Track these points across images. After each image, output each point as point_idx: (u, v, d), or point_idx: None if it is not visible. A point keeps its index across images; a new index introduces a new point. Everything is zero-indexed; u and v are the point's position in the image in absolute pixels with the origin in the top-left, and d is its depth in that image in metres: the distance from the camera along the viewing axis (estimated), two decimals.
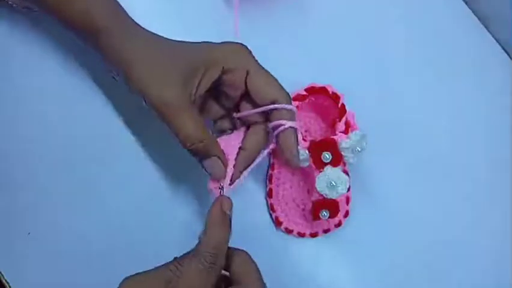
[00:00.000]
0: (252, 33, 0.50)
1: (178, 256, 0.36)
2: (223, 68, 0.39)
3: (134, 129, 0.46)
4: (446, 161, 0.52)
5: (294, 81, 0.47)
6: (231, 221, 0.37)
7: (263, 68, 0.40)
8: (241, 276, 0.36)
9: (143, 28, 0.40)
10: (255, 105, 0.40)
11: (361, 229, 0.49)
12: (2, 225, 0.44)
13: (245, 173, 0.40)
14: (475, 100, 0.54)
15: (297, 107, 0.47)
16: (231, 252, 0.37)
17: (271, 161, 0.48)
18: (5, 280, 0.43)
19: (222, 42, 0.40)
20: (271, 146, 0.41)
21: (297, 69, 0.50)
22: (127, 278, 0.35)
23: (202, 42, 0.40)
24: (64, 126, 0.46)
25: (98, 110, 0.46)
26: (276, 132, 0.40)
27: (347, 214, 0.48)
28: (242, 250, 0.38)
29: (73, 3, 0.38)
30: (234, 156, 0.40)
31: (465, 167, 0.52)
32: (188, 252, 0.36)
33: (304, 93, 0.47)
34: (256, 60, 0.40)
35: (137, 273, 0.35)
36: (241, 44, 0.40)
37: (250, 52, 0.40)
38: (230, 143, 0.40)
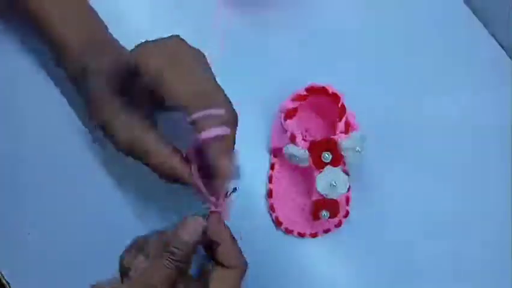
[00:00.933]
0: (252, 33, 0.50)
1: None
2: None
3: None
4: (446, 161, 0.52)
5: (294, 81, 0.47)
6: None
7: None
8: (224, 259, 0.37)
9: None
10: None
11: (361, 229, 0.49)
12: (2, 225, 0.44)
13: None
14: (475, 100, 0.54)
15: (297, 107, 0.47)
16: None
17: (271, 161, 0.48)
18: (5, 280, 0.43)
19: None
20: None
21: (297, 69, 0.50)
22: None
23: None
24: (64, 126, 0.46)
25: None
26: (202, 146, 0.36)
27: (347, 214, 0.48)
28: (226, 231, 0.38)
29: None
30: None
31: (465, 167, 0.52)
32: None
33: (305, 93, 0.47)
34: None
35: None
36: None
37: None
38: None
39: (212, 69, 0.37)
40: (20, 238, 0.44)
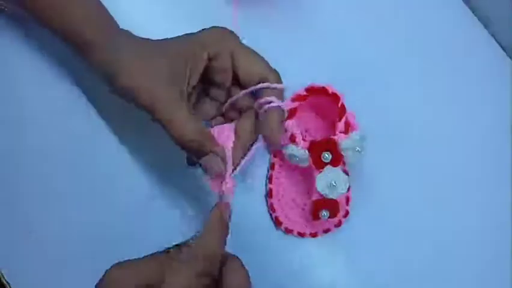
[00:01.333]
0: (252, 33, 0.50)
1: (170, 247, 0.35)
2: (208, 54, 0.39)
3: (134, 129, 0.46)
4: (446, 161, 0.52)
5: (294, 81, 0.47)
6: (229, 228, 0.37)
7: (248, 47, 0.40)
8: (230, 284, 0.35)
9: (131, 35, 0.40)
10: (245, 89, 0.40)
11: (361, 229, 0.49)
12: (2, 225, 0.44)
13: (242, 162, 0.39)
14: (475, 100, 0.54)
15: (297, 107, 0.47)
16: (223, 258, 0.36)
17: (271, 161, 0.48)
18: (5, 280, 0.43)
19: (201, 31, 0.40)
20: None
21: (298, 69, 0.50)
22: (115, 265, 0.34)
23: (184, 35, 0.40)
24: (65, 126, 0.46)
25: (98, 110, 0.46)
26: (261, 110, 0.39)
27: (346, 214, 0.48)
28: (234, 256, 0.37)
29: (63, 21, 0.39)
30: (230, 148, 0.39)
31: (465, 167, 0.52)
32: (178, 245, 0.35)
33: (305, 93, 0.47)
34: (240, 41, 0.40)
35: (126, 261, 0.34)
36: (222, 27, 0.40)
37: (233, 33, 0.40)
38: (224, 133, 0.39)
39: None
40: (20, 238, 0.44)
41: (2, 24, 0.45)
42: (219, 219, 0.36)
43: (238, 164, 0.39)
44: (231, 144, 0.39)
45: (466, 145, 0.53)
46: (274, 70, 0.39)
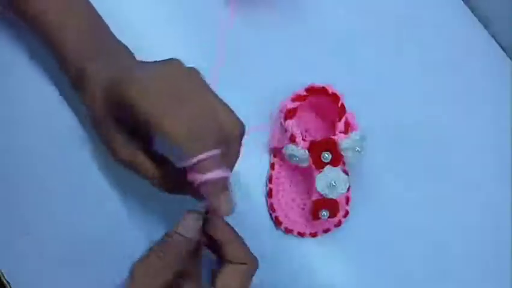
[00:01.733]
0: (252, 33, 0.50)
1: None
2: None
3: None
4: (446, 161, 0.52)
5: (294, 81, 0.47)
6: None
7: None
8: (233, 257, 0.37)
9: (121, 57, 0.40)
10: None
11: (361, 229, 0.49)
12: (2, 225, 0.44)
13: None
14: (475, 100, 0.54)
15: (297, 107, 0.47)
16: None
17: (271, 161, 0.48)
18: (5, 280, 0.43)
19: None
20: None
21: (297, 69, 0.50)
22: (138, 262, 0.36)
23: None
24: (64, 126, 0.46)
25: None
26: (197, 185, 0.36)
27: (346, 214, 0.48)
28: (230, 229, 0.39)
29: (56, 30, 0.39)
30: None
31: (464, 167, 0.52)
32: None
33: (304, 93, 0.47)
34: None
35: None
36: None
37: None
38: None
39: (209, 85, 0.37)
40: (20, 238, 0.44)
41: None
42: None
43: None
44: None
45: (466, 145, 0.53)
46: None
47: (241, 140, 0.38)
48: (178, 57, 0.38)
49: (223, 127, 0.36)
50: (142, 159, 0.38)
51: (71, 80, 0.40)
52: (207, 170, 0.34)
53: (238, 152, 0.38)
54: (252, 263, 0.38)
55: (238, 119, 0.37)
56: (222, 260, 0.38)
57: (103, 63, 0.38)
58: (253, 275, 0.38)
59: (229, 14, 0.50)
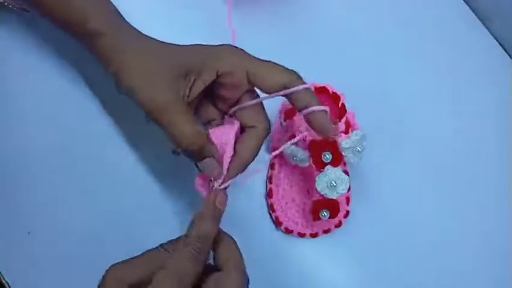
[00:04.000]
0: (251, 33, 0.50)
1: (164, 243, 0.36)
2: (217, 72, 0.39)
3: (132, 129, 0.46)
4: (446, 161, 0.52)
5: None
6: (221, 216, 0.37)
7: (261, 60, 0.40)
8: (223, 263, 0.36)
9: (137, 31, 0.40)
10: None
11: (361, 229, 0.49)
12: (2, 225, 0.44)
13: (237, 178, 0.39)
14: (475, 100, 0.54)
15: None
16: (219, 238, 0.37)
17: (271, 161, 0.48)
18: (5, 280, 0.43)
19: (214, 46, 0.40)
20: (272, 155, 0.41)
21: (297, 69, 0.50)
22: (113, 265, 0.35)
23: (195, 45, 0.40)
24: (63, 126, 0.46)
25: (97, 111, 0.46)
26: (304, 113, 0.39)
27: (347, 214, 0.48)
28: (230, 236, 0.38)
29: (70, 8, 0.39)
30: (229, 154, 0.38)
31: (464, 166, 0.52)
32: (173, 240, 0.36)
33: None
34: (252, 57, 0.40)
35: (123, 260, 0.35)
36: (232, 46, 0.40)
37: (243, 51, 0.40)
38: (223, 137, 0.39)
39: None
40: (20, 238, 0.44)
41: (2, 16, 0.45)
42: (212, 206, 0.37)
43: (230, 178, 0.39)
44: (231, 151, 0.38)
45: (466, 144, 0.53)
46: (296, 74, 0.39)
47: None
48: None
49: None
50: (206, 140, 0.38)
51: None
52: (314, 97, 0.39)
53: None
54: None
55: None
56: (214, 261, 0.37)
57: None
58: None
59: (229, 14, 0.50)
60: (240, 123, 0.40)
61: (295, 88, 0.38)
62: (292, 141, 0.43)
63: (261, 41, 0.50)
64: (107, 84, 0.42)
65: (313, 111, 0.38)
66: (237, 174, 0.39)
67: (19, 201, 0.44)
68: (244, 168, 0.40)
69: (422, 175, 0.51)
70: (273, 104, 0.49)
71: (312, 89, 0.39)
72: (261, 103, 0.40)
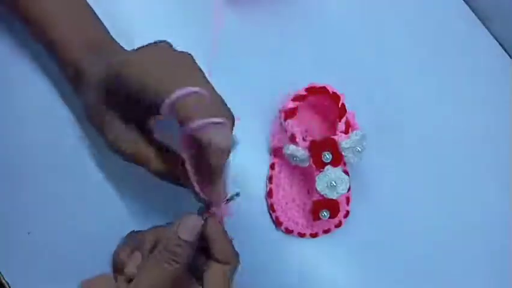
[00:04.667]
0: (251, 33, 0.50)
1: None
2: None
3: None
4: (446, 161, 0.52)
5: (294, 81, 0.47)
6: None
7: None
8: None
9: (114, 49, 0.41)
10: None
11: (361, 229, 0.49)
12: (2, 225, 0.44)
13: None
14: (475, 99, 0.54)
15: (297, 107, 0.47)
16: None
17: (272, 161, 0.48)
18: (5, 280, 0.43)
19: None
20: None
21: (297, 69, 0.50)
22: (145, 269, 0.36)
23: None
24: (64, 127, 0.46)
25: None
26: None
27: (347, 214, 0.48)
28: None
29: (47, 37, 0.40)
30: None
31: (465, 167, 0.52)
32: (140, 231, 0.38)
33: (304, 93, 0.46)
34: None
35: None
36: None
37: None
38: None
39: (203, 71, 0.36)
40: (20, 238, 0.44)
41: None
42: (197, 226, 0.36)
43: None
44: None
45: (466, 144, 0.53)
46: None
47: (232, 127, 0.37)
48: None
49: None
50: (143, 147, 0.38)
51: (67, 75, 0.41)
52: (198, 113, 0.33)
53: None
54: (235, 261, 0.38)
55: (227, 106, 0.37)
56: (208, 257, 0.38)
57: (97, 57, 0.39)
58: (235, 273, 0.38)
59: (228, 14, 0.50)
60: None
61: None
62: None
63: (261, 41, 0.51)
64: None
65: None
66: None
67: (19, 201, 0.44)
68: None
69: (422, 175, 0.51)
70: (273, 104, 0.49)
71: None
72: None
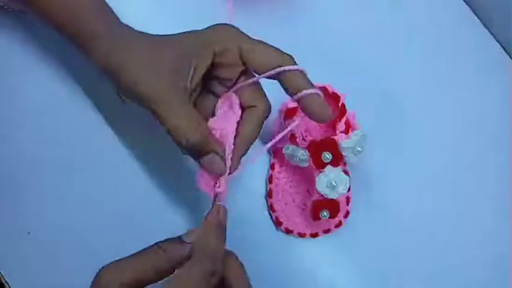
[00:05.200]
0: (251, 33, 0.50)
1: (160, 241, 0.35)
2: (214, 51, 0.38)
3: (134, 129, 0.46)
4: (446, 161, 0.52)
5: None
6: (225, 228, 0.36)
7: (255, 40, 0.39)
8: (230, 279, 0.35)
9: (130, 28, 0.39)
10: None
11: (361, 229, 0.49)
12: (2, 225, 0.44)
13: (240, 166, 0.39)
14: (475, 100, 0.54)
15: (297, 107, 0.47)
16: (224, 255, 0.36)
17: (271, 161, 0.48)
18: (5, 280, 0.43)
19: (206, 27, 0.39)
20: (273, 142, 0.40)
21: None
22: (105, 267, 0.34)
23: (189, 31, 0.39)
24: (64, 127, 0.46)
25: (97, 112, 0.46)
26: (296, 98, 0.37)
27: (347, 214, 0.48)
28: (230, 251, 0.37)
29: (64, 9, 0.38)
30: (231, 145, 0.38)
31: (465, 167, 0.52)
32: (170, 239, 0.35)
33: None
34: (246, 35, 0.39)
35: (115, 261, 0.34)
36: (227, 24, 0.39)
37: (238, 29, 0.39)
38: (225, 127, 0.38)
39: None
40: (20, 238, 0.44)
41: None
42: (217, 221, 0.36)
43: (236, 164, 0.38)
44: (231, 145, 0.38)
45: (466, 144, 0.53)
46: (289, 55, 0.38)
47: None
48: None
49: None
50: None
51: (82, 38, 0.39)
52: (307, 81, 0.38)
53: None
54: None
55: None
56: None
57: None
58: None
59: (228, 13, 0.50)
60: (240, 104, 0.39)
61: (288, 67, 0.37)
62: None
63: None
64: (109, 84, 0.42)
65: (306, 95, 0.37)
66: (242, 156, 0.39)
67: (19, 201, 0.44)
68: (247, 148, 0.39)
69: (422, 175, 0.51)
70: (273, 104, 0.49)
71: (306, 72, 0.38)
72: (259, 84, 0.40)
